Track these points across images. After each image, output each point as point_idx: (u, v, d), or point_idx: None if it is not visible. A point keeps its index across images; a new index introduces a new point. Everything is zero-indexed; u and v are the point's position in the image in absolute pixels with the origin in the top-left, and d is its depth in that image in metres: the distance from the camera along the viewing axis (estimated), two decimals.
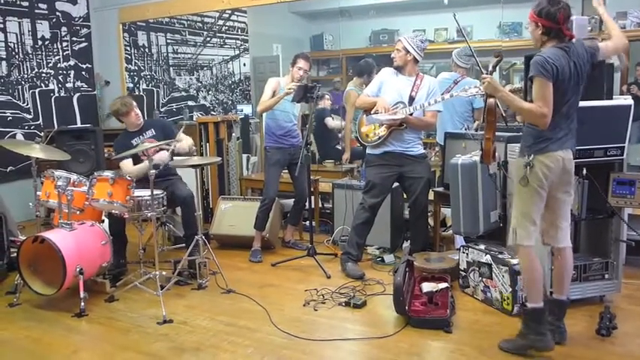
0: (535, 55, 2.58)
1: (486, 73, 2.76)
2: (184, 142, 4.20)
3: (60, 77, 6.34)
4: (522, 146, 2.72)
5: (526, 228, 2.68)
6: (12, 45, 5.87)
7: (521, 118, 2.91)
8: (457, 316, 3.21)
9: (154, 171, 3.50)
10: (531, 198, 2.65)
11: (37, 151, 3.72)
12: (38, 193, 3.81)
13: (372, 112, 3.86)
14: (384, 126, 3.90)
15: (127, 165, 4.10)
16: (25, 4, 5.96)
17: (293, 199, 4.73)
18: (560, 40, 2.60)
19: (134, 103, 4.24)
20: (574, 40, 2.63)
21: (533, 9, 2.64)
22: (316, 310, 3.39)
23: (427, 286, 3.36)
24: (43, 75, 6.18)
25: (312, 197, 4.68)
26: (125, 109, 4.15)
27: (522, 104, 2.62)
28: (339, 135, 5.91)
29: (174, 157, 4.11)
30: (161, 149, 4.00)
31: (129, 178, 3.67)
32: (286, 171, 4.63)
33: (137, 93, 6.68)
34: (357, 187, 4.61)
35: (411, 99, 3.88)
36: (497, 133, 2.93)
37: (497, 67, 2.87)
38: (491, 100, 2.78)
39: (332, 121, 6.02)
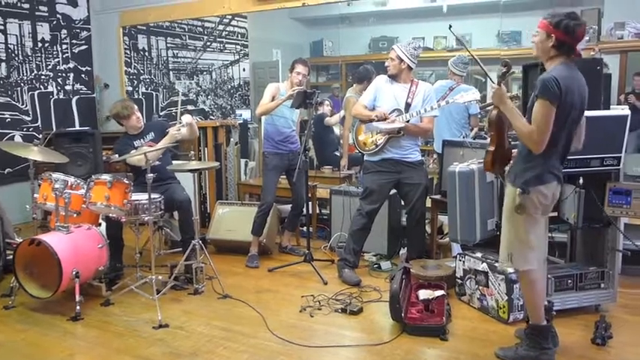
0: (544, 73, 2.48)
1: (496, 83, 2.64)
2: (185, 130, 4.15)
3: (59, 79, 6.33)
4: (517, 172, 2.61)
5: (522, 253, 2.63)
6: (12, 47, 5.87)
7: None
8: (453, 324, 3.21)
9: (151, 175, 3.50)
10: (529, 224, 2.60)
11: (35, 154, 3.72)
12: (35, 195, 3.81)
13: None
14: (381, 133, 3.91)
15: (136, 157, 3.89)
16: (26, 6, 5.96)
17: (290, 205, 4.73)
18: (568, 58, 2.51)
19: (135, 107, 4.24)
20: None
21: (547, 19, 2.50)
22: (312, 317, 3.38)
23: (423, 294, 3.37)
24: (43, 77, 6.17)
25: (310, 203, 4.69)
26: (126, 112, 4.15)
27: (521, 125, 2.51)
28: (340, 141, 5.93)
29: (174, 161, 4.10)
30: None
31: (127, 182, 3.66)
32: (284, 176, 4.63)
33: (136, 96, 6.69)
34: (354, 194, 4.61)
35: (408, 105, 3.89)
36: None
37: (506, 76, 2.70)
38: (493, 113, 2.66)
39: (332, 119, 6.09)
